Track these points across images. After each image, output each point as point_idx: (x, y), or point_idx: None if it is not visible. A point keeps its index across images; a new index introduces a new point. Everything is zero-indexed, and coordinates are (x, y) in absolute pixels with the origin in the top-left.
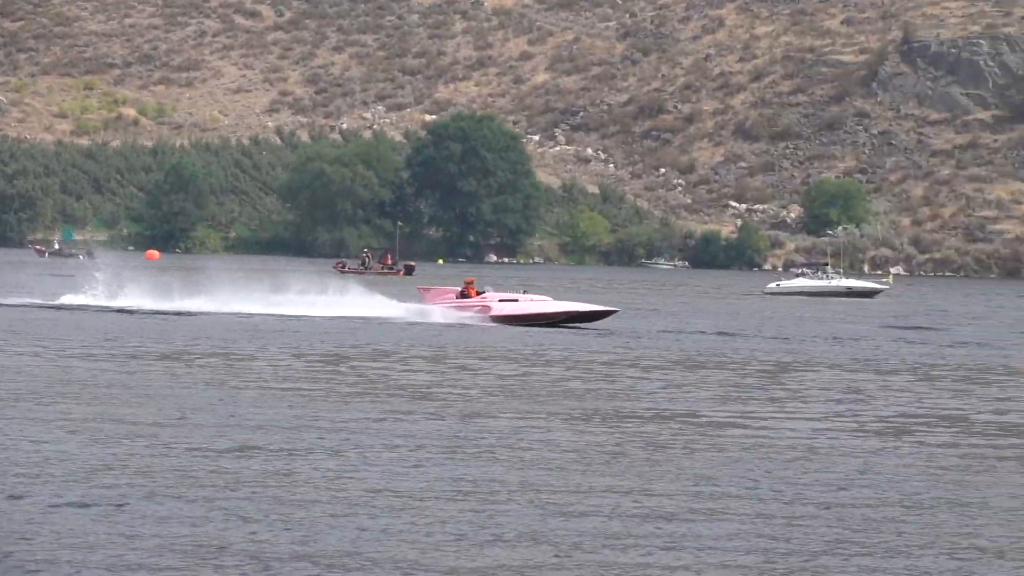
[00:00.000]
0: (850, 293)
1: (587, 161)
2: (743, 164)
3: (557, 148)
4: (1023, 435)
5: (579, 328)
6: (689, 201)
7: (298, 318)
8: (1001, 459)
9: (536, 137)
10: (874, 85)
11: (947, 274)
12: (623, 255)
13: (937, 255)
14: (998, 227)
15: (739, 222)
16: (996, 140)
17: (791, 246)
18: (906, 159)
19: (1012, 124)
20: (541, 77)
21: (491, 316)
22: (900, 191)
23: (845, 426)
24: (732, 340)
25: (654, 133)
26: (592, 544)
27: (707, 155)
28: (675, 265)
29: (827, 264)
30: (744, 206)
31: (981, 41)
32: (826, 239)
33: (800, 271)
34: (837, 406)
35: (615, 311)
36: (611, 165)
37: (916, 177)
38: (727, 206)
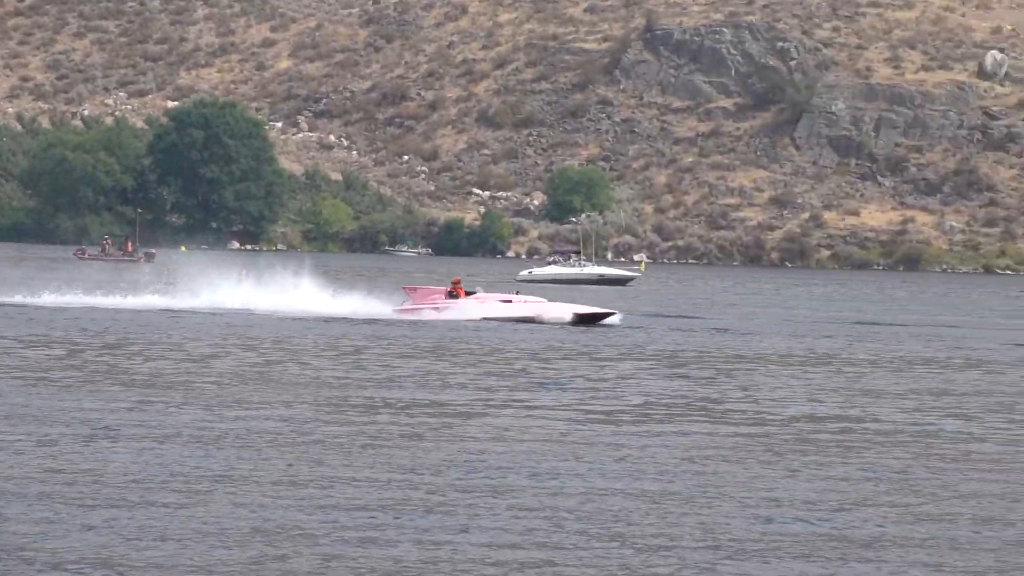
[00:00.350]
0: (602, 280)
1: (330, 148)
2: (486, 151)
3: (300, 135)
4: (774, 423)
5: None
6: (432, 188)
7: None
8: (750, 448)
9: (279, 124)
10: (617, 73)
11: (690, 261)
12: (366, 242)
13: (680, 242)
14: (740, 215)
15: (482, 209)
16: (739, 128)
17: (535, 233)
18: (649, 147)
19: (754, 112)
20: (284, 64)
21: (484, 318)
22: (643, 179)
23: (599, 415)
24: (484, 328)
25: (397, 120)
26: (347, 536)
27: (450, 142)
28: (418, 252)
29: (579, 251)
30: (487, 193)
31: (724, 29)
32: (569, 226)
33: (552, 258)
34: (591, 395)
35: (614, 313)
36: (354, 152)
37: (659, 165)
38: (470, 193)
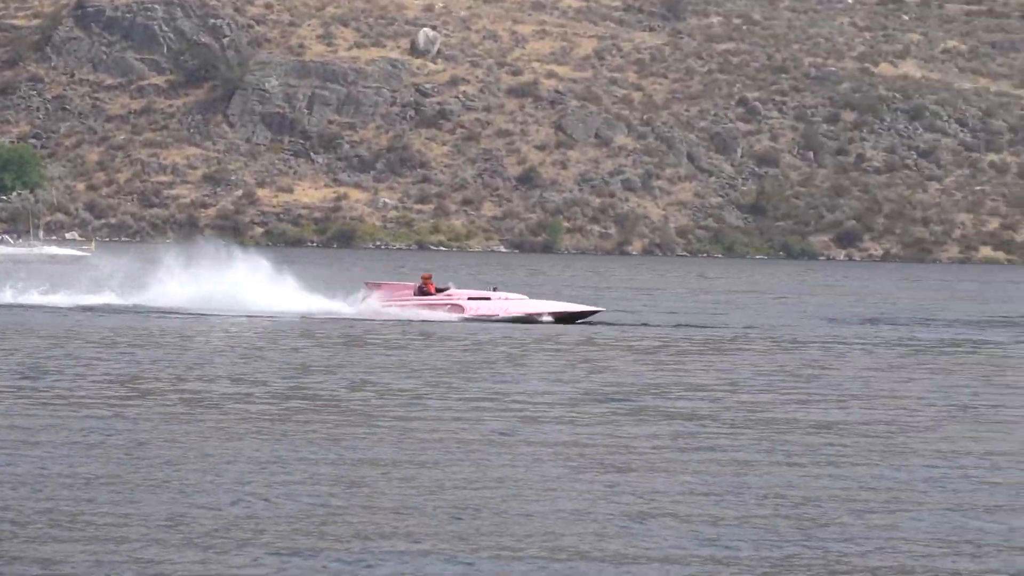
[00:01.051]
0: (55, 260)
1: None
2: None
3: None
4: (313, 399)
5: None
6: None
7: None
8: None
9: None
10: (48, 50)
11: (124, 239)
12: None
13: (113, 220)
14: (174, 192)
15: None
16: (171, 106)
17: None
18: (81, 124)
19: (187, 89)
20: None
21: (464, 317)
22: (75, 156)
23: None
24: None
25: None
26: None
27: None
28: None
29: (28, 232)
30: None
31: (156, 6)
32: (0, 205)
33: (1, 238)
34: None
35: (600, 310)
36: None
37: (91, 142)
38: None
